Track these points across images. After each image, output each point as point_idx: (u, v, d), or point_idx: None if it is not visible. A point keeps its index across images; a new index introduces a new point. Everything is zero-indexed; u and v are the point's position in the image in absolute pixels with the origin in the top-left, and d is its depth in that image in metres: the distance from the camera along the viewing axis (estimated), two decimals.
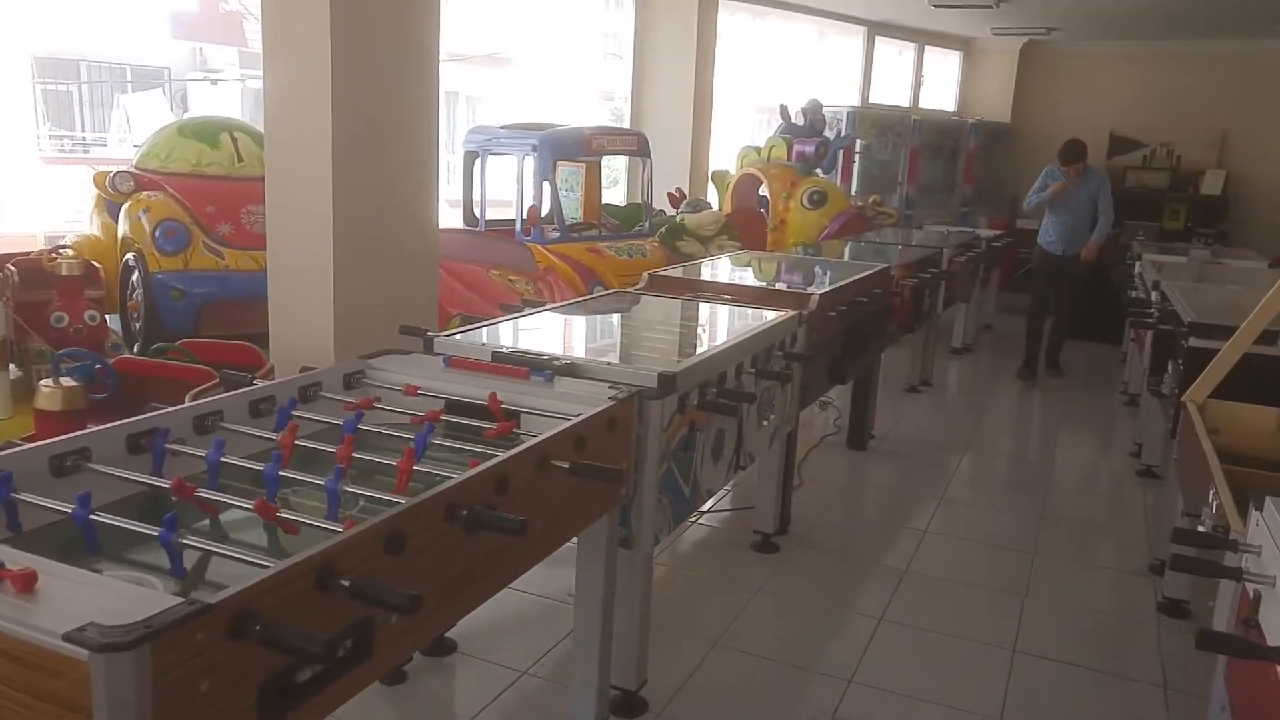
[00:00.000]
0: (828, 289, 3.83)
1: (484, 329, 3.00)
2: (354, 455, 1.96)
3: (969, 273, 6.93)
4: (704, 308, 3.63)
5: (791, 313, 3.44)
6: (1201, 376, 3.12)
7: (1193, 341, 3.41)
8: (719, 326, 3.49)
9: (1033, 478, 4.80)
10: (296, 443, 2.01)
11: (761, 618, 3.28)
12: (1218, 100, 9.77)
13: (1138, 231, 8.79)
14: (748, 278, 4.52)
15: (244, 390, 2.21)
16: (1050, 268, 6.76)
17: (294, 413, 2.16)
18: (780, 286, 4.24)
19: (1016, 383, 6.81)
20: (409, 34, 3.45)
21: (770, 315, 3.38)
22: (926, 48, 10.68)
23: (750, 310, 3.58)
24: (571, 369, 2.51)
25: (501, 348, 2.64)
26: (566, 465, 1.99)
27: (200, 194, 5.68)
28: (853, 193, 9.04)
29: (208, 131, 6.02)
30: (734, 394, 2.80)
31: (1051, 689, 2.91)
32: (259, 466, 1.85)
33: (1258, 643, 1.50)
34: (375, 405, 2.30)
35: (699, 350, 2.70)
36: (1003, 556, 3.83)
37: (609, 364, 2.61)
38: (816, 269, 5.03)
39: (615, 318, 3.45)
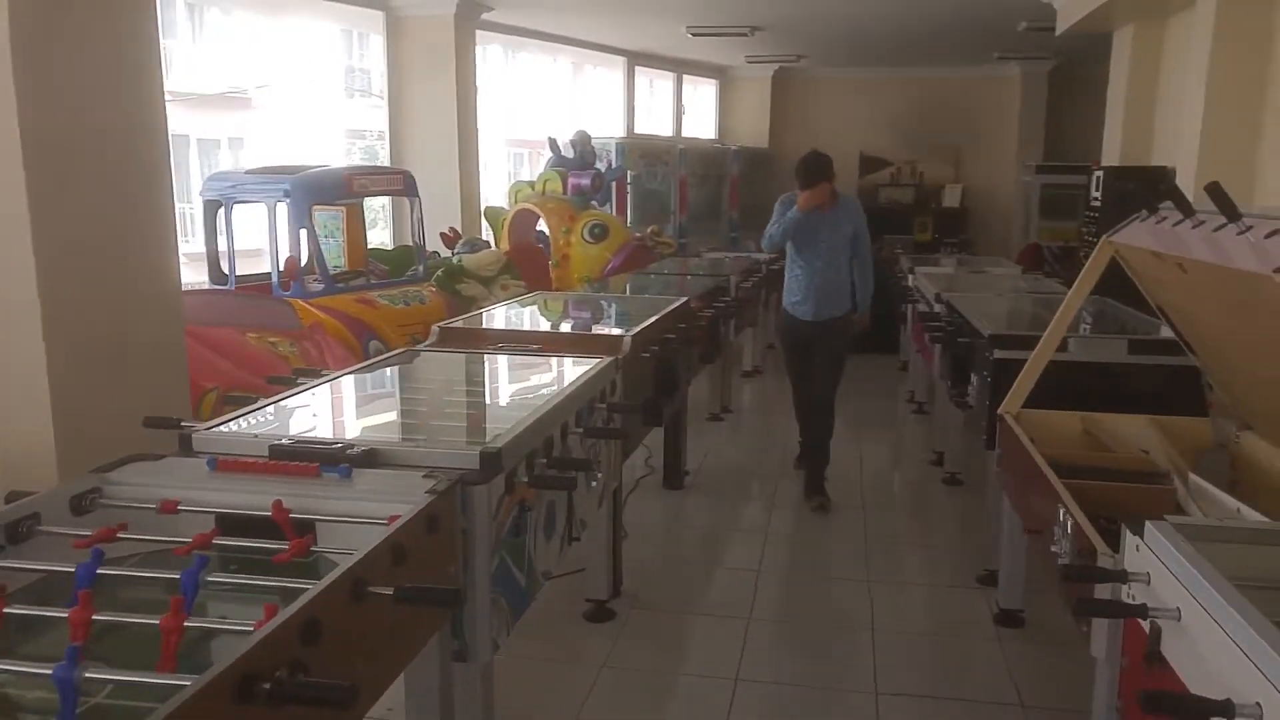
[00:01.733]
0: (638, 329, 3.59)
1: (253, 414, 2.48)
2: (95, 618, 1.45)
3: (754, 298, 6.99)
4: (508, 362, 3.27)
5: (607, 358, 3.16)
6: (1014, 388, 3.16)
7: (997, 354, 3.46)
8: (532, 383, 3.14)
9: (846, 497, 4.79)
10: (5, 611, 1.47)
11: (611, 699, 2.94)
12: (951, 120, 10.66)
13: (895, 245, 9.33)
14: (549, 323, 4.21)
15: None
16: (801, 341, 4.72)
17: None
18: (589, 330, 3.96)
19: None
20: (126, 62, 2.88)
21: (585, 364, 3.08)
22: (685, 77, 10.90)
23: (561, 360, 3.27)
24: (371, 457, 2.07)
25: (280, 439, 2.15)
26: (390, 592, 1.58)
27: None
28: (628, 223, 8.99)
29: None
30: (568, 463, 2.47)
31: None
32: None
33: (1202, 699, 1.36)
34: (121, 535, 1.77)
35: (519, 416, 2.35)
36: (840, 590, 3.73)
37: (417, 446, 2.20)
38: (614, 306, 4.81)
39: (411, 384, 3.02)
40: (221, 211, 5.45)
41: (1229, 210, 2.12)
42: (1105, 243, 2.91)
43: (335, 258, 6.15)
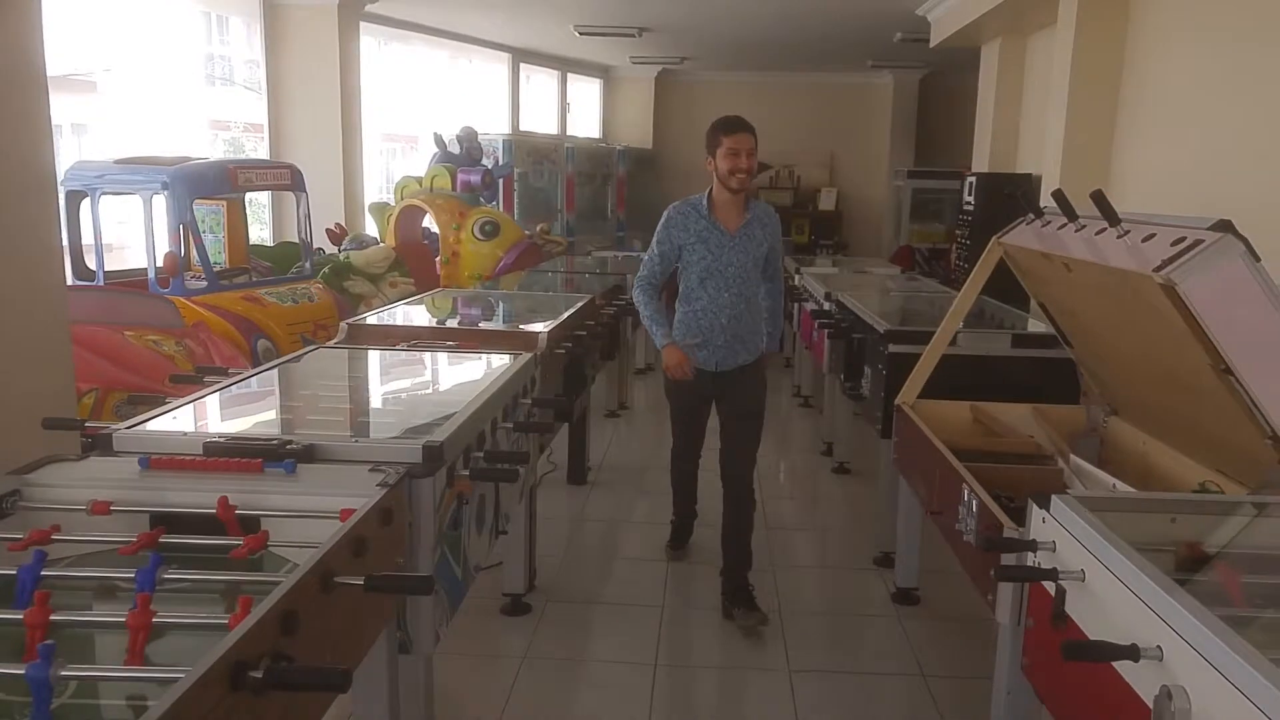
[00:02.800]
0: (554, 324, 3.63)
1: (170, 412, 2.40)
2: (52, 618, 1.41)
3: None
4: (430, 359, 3.26)
5: (526, 354, 3.20)
6: (910, 380, 3.37)
7: (892, 348, 3.68)
8: (456, 379, 3.14)
9: None
10: None
11: (534, 691, 2.98)
12: (826, 125, 11.11)
13: None
14: (460, 319, 4.19)
15: None
16: (699, 399, 3.57)
17: None
18: (502, 326, 3.97)
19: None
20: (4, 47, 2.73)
21: (505, 359, 3.11)
22: (569, 75, 10.94)
23: (479, 357, 3.28)
24: (313, 452, 2.06)
25: (214, 436, 2.11)
26: (360, 582, 1.59)
27: None
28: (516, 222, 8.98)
29: None
30: (503, 456, 2.50)
31: (835, 701, 2.95)
32: None
33: (1114, 644, 1.53)
34: (56, 537, 1.70)
35: (453, 411, 2.37)
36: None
37: (358, 441, 2.19)
38: (517, 304, 4.83)
39: (333, 381, 2.97)
40: (85, 203, 5.16)
41: (1110, 216, 2.35)
42: (995, 243, 3.15)
43: (215, 254, 5.91)
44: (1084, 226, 2.60)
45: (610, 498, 4.79)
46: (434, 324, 3.87)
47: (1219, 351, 2.05)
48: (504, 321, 4.18)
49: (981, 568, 2.36)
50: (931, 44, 7.19)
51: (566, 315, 3.90)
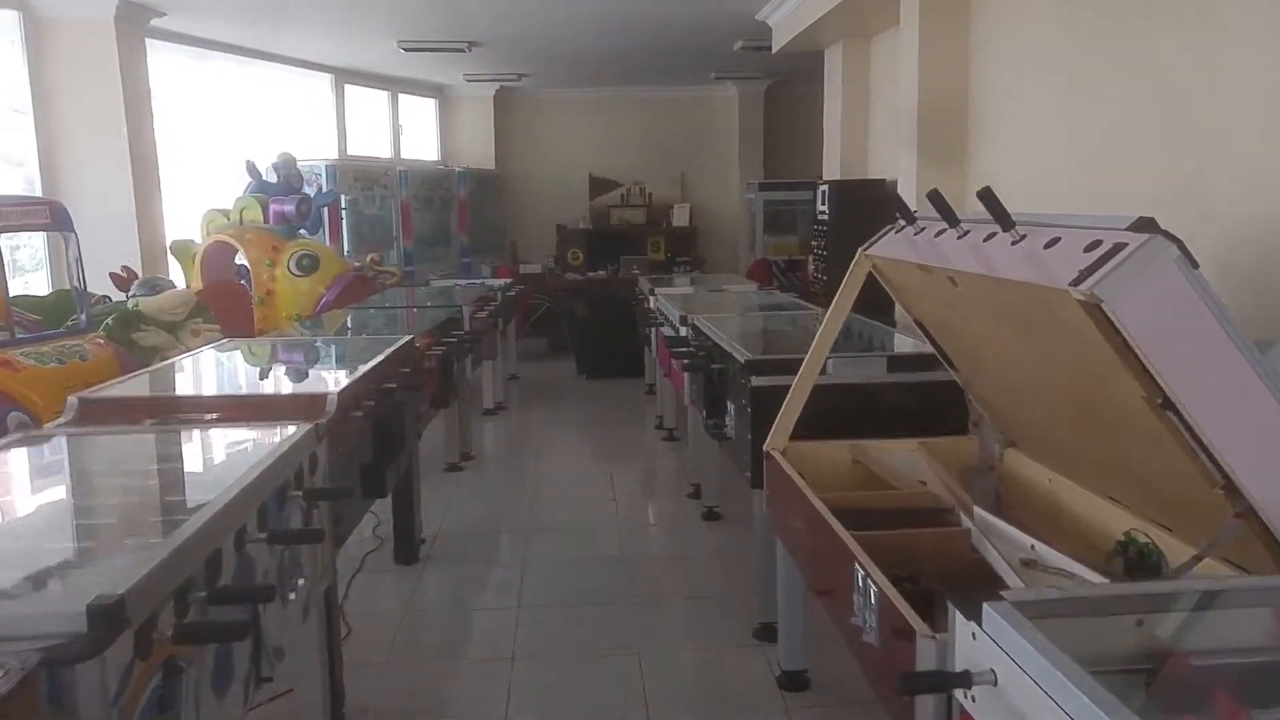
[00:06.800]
0: (347, 382, 2.94)
1: None
2: None
3: (491, 328, 6.47)
4: (171, 442, 2.53)
5: (305, 426, 2.51)
6: (778, 422, 2.87)
7: (755, 381, 3.18)
8: (193, 475, 2.40)
9: (607, 549, 4.36)
10: None
11: None
12: (676, 141, 10.75)
13: (632, 265, 9.18)
14: (233, 380, 3.44)
15: None
16: None
17: None
18: (281, 388, 3.24)
19: (560, 432, 6.51)
20: None
21: (275, 436, 2.41)
22: (401, 95, 10.18)
23: (244, 433, 2.57)
24: None
25: None
26: None
27: None
28: (346, 253, 8.17)
29: None
30: (238, 593, 1.81)
31: None
32: None
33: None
34: None
35: (165, 533, 1.69)
36: (609, 668, 3.26)
37: None
38: (325, 351, 4.10)
39: (12, 495, 2.19)
40: None
41: (1003, 219, 1.89)
42: (862, 256, 2.68)
43: None
44: (967, 233, 2.14)
45: (446, 579, 4.09)
46: (193, 391, 3.12)
47: (1157, 383, 1.60)
48: (293, 380, 3.45)
49: (884, 671, 1.85)
50: (774, 49, 6.87)
51: (369, 367, 3.21)
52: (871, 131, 6.29)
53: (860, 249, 2.71)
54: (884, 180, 5.77)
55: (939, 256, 2.24)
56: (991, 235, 2.00)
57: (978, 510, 2.31)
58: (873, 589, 1.89)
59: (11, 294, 5.31)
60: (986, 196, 1.89)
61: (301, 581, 2.38)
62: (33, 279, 6.71)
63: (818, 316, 4.72)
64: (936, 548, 2.18)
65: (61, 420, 2.80)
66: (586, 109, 10.65)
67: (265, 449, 2.29)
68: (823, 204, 6.01)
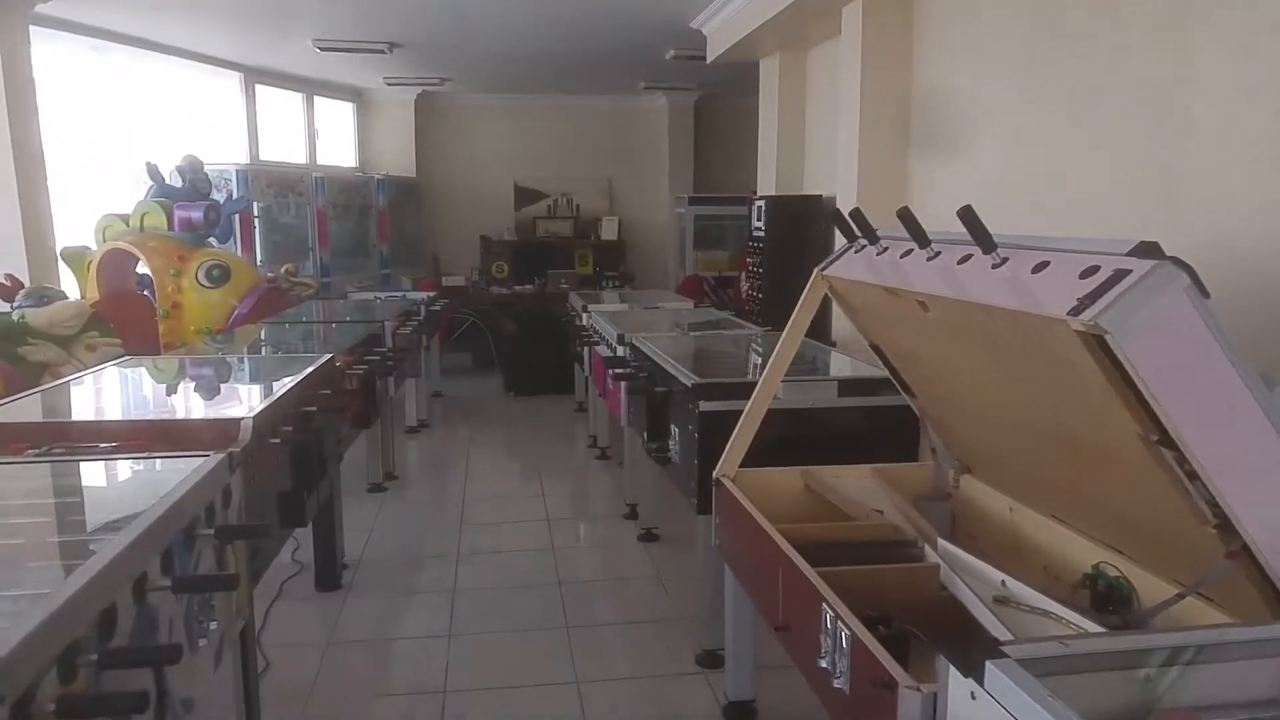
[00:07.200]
0: (263, 406, 2.69)
1: None
2: None
3: (415, 344, 6.20)
4: (59, 475, 2.25)
5: (216, 455, 2.27)
6: (729, 448, 2.74)
7: (704, 406, 3.03)
8: (86, 514, 2.13)
9: (541, 573, 4.16)
10: None
11: None
12: (604, 151, 10.57)
13: (560, 279, 8.98)
14: (136, 401, 3.14)
15: None
16: None
17: None
18: (190, 412, 2.96)
19: (488, 451, 6.27)
20: None
21: (182, 469, 2.17)
22: (317, 98, 9.79)
23: (145, 464, 2.31)
24: None
25: None
26: None
27: None
28: (259, 263, 7.77)
29: None
30: (137, 655, 1.58)
31: None
32: None
33: None
34: None
35: (50, 588, 1.45)
36: (547, 703, 3.07)
37: None
38: (238, 370, 3.81)
39: None
40: None
41: (984, 239, 1.79)
42: (818, 277, 2.57)
43: None
44: (938, 254, 2.04)
45: (373, 605, 3.85)
46: (88, 415, 2.82)
47: (1155, 417, 1.51)
48: (204, 402, 3.17)
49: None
50: (709, 58, 6.78)
51: (286, 389, 2.96)
52: (809, 146, 6.24)
53: (816, 269, 2.60)
54: (821, 196, 5.73)
55: (906, 279, 2.14)
56: (967, 257, 1.91)
57: (941, 543, 2.21)
58: (844, 632, 1.76)
59: None
60: (967, 216, 1.78)
61: (214, 625, 2.14)
62: None
63: (756, 336, 4.64)
64: (903, 584, 2.07)
65: None
66: (512, 116, 10.41)
67: (170, 482, 2.05)
68: (758, 220, 5.93)
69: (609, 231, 10.47)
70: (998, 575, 2.03)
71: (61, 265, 6.47)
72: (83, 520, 2.08)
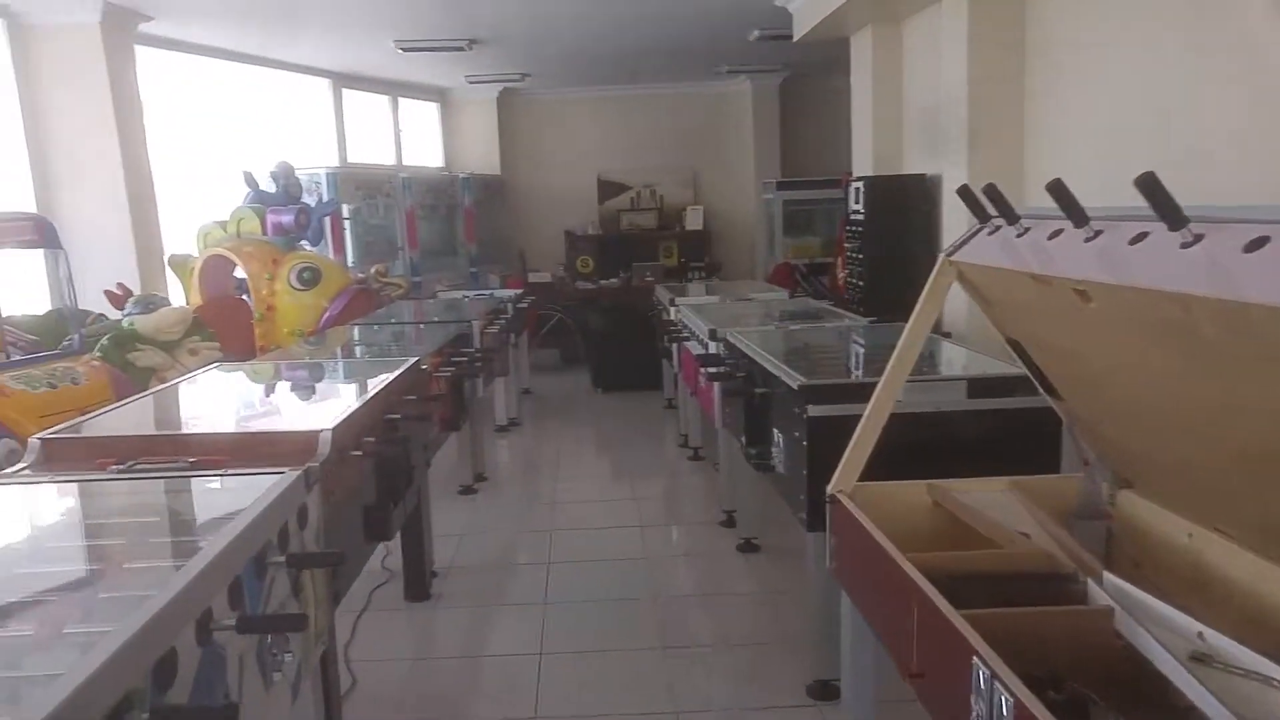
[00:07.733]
0: (343, 417, 2.54)
1: None
2: None
3: (503, 342, 6.07)
4: (133, 494, 2.13)
5: (291, 473, 2.12)
6: (845, 460, 2.45)
7: (813, 410, 2.76)
8: (153, 541, 1.99)
9: (635, 585, 3.93)
10: None
11: None
12: (687, 140, 10.31)
13: (645, 272, 8.77)
14: (221, 411, 3.04)
15: None
16: None
17: None
18: (270, 424, 2.83)
19: (578, 450, 6.09)
20: None
21: (255, 489, 2.02)
22: (402, 99, 9.80)
23: (219, 483, 2.18)
24: None
25: None
26: None
27: None
28: (350, 264, 7.79)
29: None
30: (188, 716, 1.41)
31: None
32: None
33: None
34: None
35: (103, 632, 1.30)
36: None
37: None
38: (325, 374, 3.71)
39: None
40: None
41: (1171, 214, 1.48)
42: (945, 263, 2.28)
43: None
44: (1098, 233, 1.74)
45: (461, 618, 3.70)
46: (170, 430, 2.73)
47: None
48: (285, 411, 3.06)
49: None
50: (795, 37, 6.44)
51: (367, 399, 2.82)
52: (906, 123, 5.86)
53: (942, 254, 2.31)
54: (924, 176, 5.35)
55: (1058, 264, 1.83)
56: (1141, 236, 1.60)
57: (1109, 577, 1.89)
58: (1004, 697, 1.47)
59: (6, 313, 4.99)
60: (1148, 185, 1.47)
61: (289, 657, 1.98)
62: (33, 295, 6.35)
63: (861, 328, 4.31)
64: (1068, 631, 1.76)
65: (18, 466, 2.43)
66: (592, 109, 10.24)
67: (243, 503, 1.90)
68: (856, 202, 5.59)
69: (694, 221, 10.20)
70: (1193, 625, 1.70)
71: (169, 272, 6.60)
72: (151, 545, 1.94)
